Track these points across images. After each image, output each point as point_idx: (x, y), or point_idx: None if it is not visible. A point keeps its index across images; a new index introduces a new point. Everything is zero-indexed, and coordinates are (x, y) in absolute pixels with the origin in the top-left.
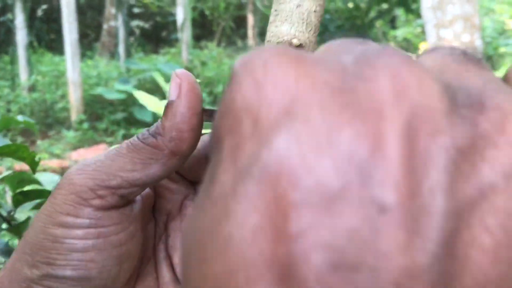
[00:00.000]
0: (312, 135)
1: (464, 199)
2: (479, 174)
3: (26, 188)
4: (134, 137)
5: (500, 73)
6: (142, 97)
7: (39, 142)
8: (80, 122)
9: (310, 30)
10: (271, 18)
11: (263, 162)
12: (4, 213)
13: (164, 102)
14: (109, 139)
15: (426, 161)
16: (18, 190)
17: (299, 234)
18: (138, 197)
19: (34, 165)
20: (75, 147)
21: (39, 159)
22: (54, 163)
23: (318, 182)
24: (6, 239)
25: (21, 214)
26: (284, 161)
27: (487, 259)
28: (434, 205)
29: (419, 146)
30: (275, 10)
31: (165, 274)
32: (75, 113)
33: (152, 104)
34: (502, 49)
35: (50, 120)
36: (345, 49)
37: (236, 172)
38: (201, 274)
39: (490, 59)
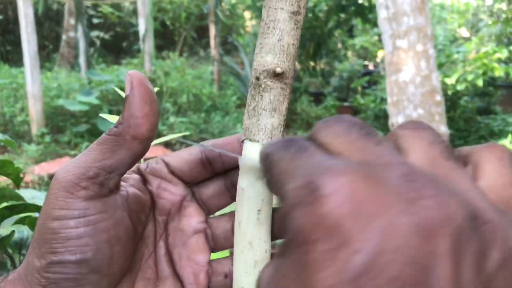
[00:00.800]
0: (388, 246)
1: None
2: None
3: (5, 204)
4: (103, 134)
5: (452, 79)
6: (107, 117)
7: None
8: (42, 135)
9: (289, 60)
10: (257, 50)
11: (355, 268)
12: None
13: None
14: (72, 152)
15: (464, 267)
16: (3, 205)
17: None
18: (123, 191)
19: (18, 181)
20: (37, 161)
21: (24, 174)
22: None
23: (395, 283)
24: None
25: (2, 230)
26: (371, 267)
27: None
28: None
29: (459, 254)
30: (260, 44)
31: (165, 268)
32: (36, 126)
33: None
34: (454, 56)
35: (9, 134)
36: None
37: (335, 273)
38: None
39: (442, 66)
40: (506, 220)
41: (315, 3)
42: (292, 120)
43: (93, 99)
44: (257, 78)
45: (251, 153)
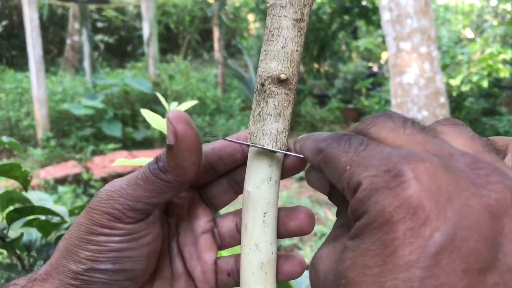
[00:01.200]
0: (463, 226)
1: None
2: None
3: (12, 207)
4: (146, 169)
5: (457, 80)
6: (147, 114)
7: (5, 161)
8: (47, 139)
9: (293, 66)
10: (261, 57)
11: (433, 245)
12: None
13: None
14: (78, 156)
15: None
16: (12, 208)
17: None
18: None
19: (26, 183)
20: (43, 165)
21: (31, 177)
22: None
23: (470, 258)
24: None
25: (11, 232)
26: (448, 244)
27: None
28: None
29: None
30: (265, 51)
31: (178, 267)
32: (41, 131)
33: (156, 122)
34: (459, 57)
35: (15, 138)
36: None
37: (418, 250)
38: None
39: (447, 68)
40: None
41: (319, 6)
42: (297, 122)
43: (98, 103)
44: (262, 84)
45: (257, 157)
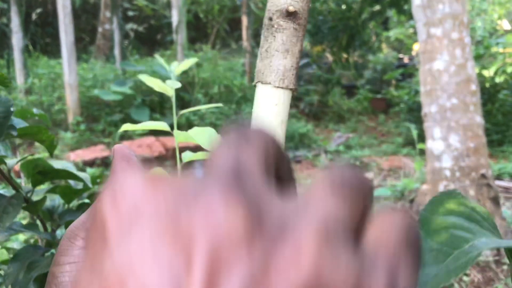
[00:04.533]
0: (141, 250)
1: None
2: None
3: None
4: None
5: (491, 71)
6: (147, 79)
7: (37, 143)
8: (77, 123)
9: (303, 0)
10: None
11: (106, 272)
12: (24, 194)
13: (166, 83)
14: (106, 140)
15: (224, 281)
16: (36, 171)
17: None
18: None
19: (52, 148)
20: (72, 148)
21: (57, 142)
22: None
23: None
24: (20, 220)
25: (36, 197)
26: (119, 272)
27: None
28: None
29: (219, 272)
30: None
31: None
32: (72, 115)
33: (156, 85)
34: (494, 49)
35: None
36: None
37: (90, 277)
38: None
39: (480, 58)
40: (334, 252)
41: None
42: (324, 112)
43: (126, 89)
44: (270, 19)
45: (263, 96)
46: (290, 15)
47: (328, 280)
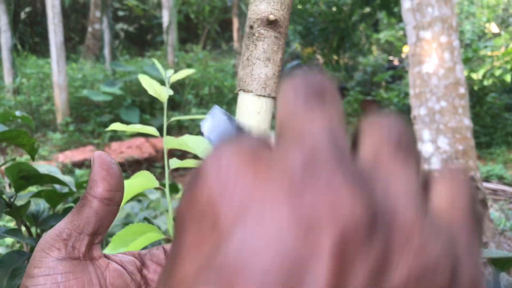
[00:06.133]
0: (261, 236)
1: None
2: (392, 281)
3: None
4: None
5: (479, 74)
6: (144, 80)
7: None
8: (66, 124)
9: (284, 8)
10: (251, 0)
11: (222, 258)
12: (6, 199)
13: (162, 88)
14: (95, 141)
15: (350, 274)
16: (20, 175)
17: None
18: (102, 264)
19: (33, 152)
20: (61, 149)
21: (38, 145)
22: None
23: (262, 280)
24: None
25: (20, 202)
26: (237, 259)
27: None
28: None
29: (345, 265)
30: None
31: None
32: (60, 116)
33: (152, 88)
34: (482, 52)
35: (35, 123)
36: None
37: (199, 263)
38: None
39: (469, 61)
40: (432, 230)
41: None
42: None
43: (116, 90)
44: (251, 27)
45: (245, 104)
46: (271, 23)
47: (437, 265)
